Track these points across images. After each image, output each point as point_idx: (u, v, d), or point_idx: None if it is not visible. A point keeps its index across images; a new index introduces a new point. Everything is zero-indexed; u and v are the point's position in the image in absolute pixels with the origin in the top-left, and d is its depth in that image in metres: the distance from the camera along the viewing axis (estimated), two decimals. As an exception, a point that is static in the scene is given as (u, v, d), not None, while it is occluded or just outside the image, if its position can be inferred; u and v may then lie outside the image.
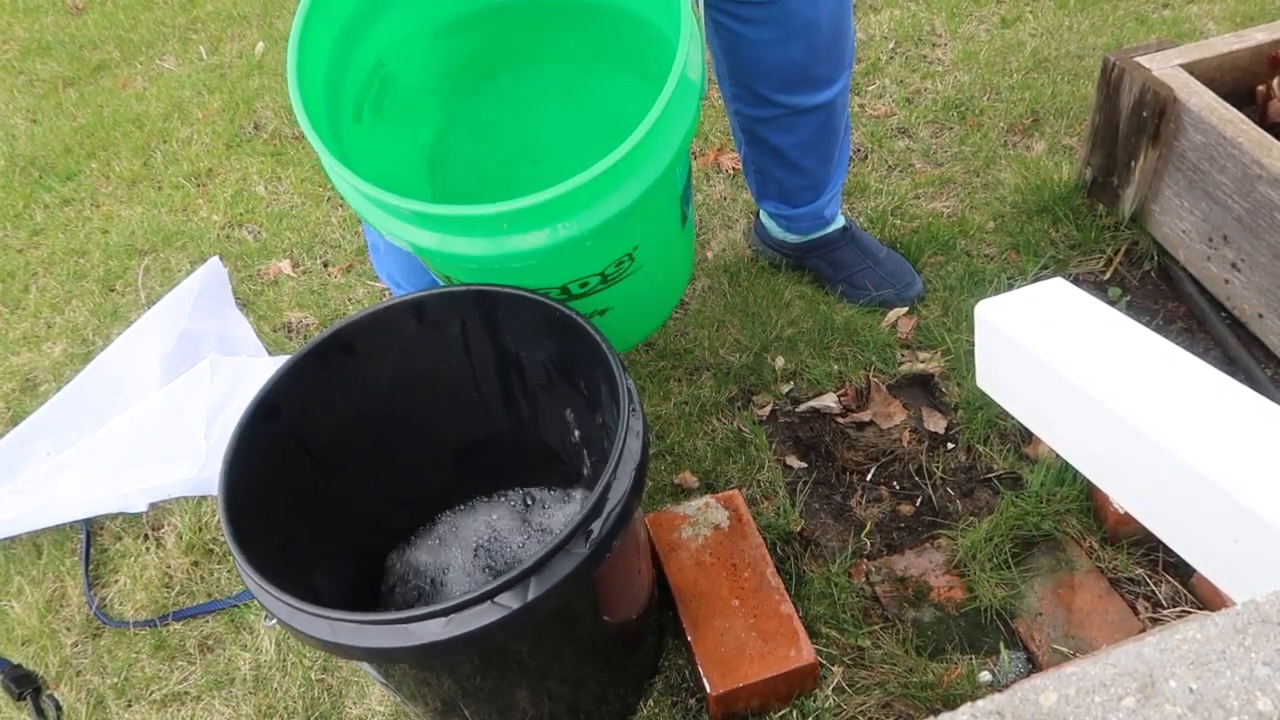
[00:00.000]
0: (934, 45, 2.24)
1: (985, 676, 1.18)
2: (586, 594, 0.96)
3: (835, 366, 1.55)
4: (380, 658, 0.85)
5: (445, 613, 0.80)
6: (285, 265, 1.92)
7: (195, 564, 1.43)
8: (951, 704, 1.14)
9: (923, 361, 1.55)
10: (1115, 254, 1.66)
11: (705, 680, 1.13)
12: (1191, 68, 1.51)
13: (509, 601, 0.80)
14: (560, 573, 0.82)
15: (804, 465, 1.45)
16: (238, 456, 0.96)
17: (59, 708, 1.30)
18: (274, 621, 0.86)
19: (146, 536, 1.48)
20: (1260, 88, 1.53)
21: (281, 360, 1.09)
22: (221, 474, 0.94)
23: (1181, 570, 1.24)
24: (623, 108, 1.33)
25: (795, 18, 1.29)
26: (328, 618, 0.82)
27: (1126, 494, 0.71)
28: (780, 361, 1.57)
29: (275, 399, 1.02)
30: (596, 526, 0.85)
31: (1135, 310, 1.58)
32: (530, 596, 0.81)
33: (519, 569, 0.81)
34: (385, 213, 1.08)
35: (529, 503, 1.34)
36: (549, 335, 1.09)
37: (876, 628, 1.24)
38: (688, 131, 1.08)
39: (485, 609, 0.80)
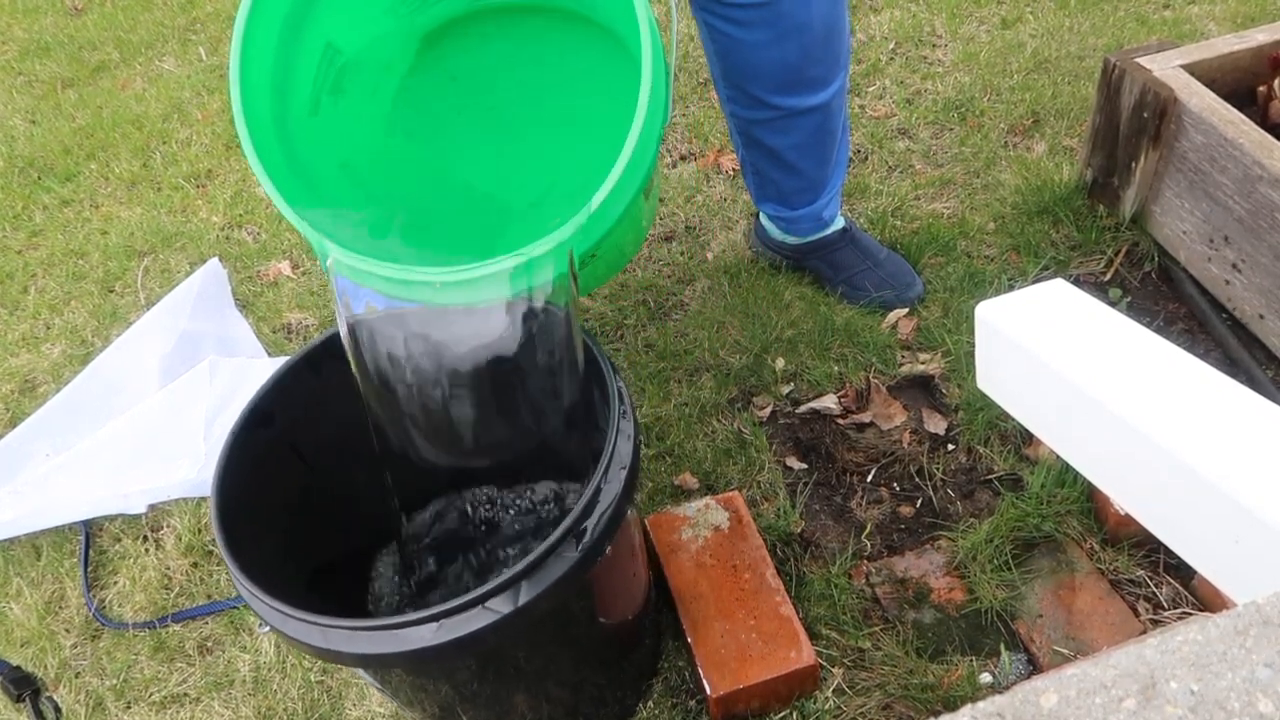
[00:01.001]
0: (934, 46, 2.23)
1: (986, 678, 1.18)
2: (580, 597, 0.96)
3: (835, 368, 1.55)
4: (373, 664, 0.85)
5: (436, 618, 0.79)
6: (285, 266, 1.92)
7: (194, 565, 1.43)
8: (952, 705, 1.14)
9: (923, 363, 1.54)
10: (1116, 255, 1.65)
11: (705, 682, 1.13)
12: (1192, 68, 1.51)
13: (500, 606, 0.80)
14: (551, 576, 0.82)
15: (804, 466, 1.44)
16: (230, 463, 0.95)
17: (58, 709, 1.29)
18: (268, 628, 0.86)
19: (145, 538, 1.48)
20: (1261, 88, 1.53)
21: (281, 362, 1.08)
22: (214, 480, 0.93)
23: (1183, 572, 1.23)
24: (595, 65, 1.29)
25: (787, 19, 1.28)
26: (320, 624, 0.81)
27: (1127, 495, 0.70)
28: (780, 363, 1.57)
29: (269, 405, 1.02)
30: (587, 529, 0.84)
31: (1136, 311, 1.57)
32: (521, 601, 0.80)
33: (509, 573, 0.80)
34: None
35: (524, 505, 1.34)
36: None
37: (877, 629, 1.23)
38: (650, 163, 1.08)
39: (476, 614, 0.80)
